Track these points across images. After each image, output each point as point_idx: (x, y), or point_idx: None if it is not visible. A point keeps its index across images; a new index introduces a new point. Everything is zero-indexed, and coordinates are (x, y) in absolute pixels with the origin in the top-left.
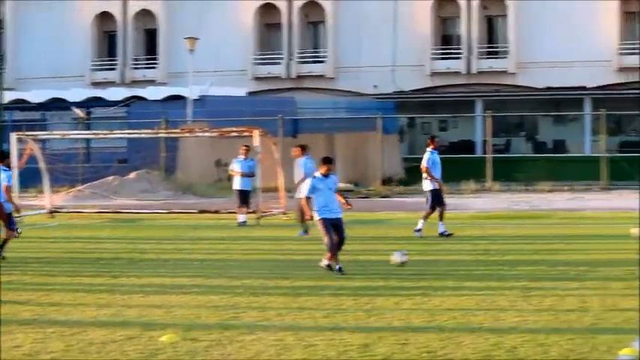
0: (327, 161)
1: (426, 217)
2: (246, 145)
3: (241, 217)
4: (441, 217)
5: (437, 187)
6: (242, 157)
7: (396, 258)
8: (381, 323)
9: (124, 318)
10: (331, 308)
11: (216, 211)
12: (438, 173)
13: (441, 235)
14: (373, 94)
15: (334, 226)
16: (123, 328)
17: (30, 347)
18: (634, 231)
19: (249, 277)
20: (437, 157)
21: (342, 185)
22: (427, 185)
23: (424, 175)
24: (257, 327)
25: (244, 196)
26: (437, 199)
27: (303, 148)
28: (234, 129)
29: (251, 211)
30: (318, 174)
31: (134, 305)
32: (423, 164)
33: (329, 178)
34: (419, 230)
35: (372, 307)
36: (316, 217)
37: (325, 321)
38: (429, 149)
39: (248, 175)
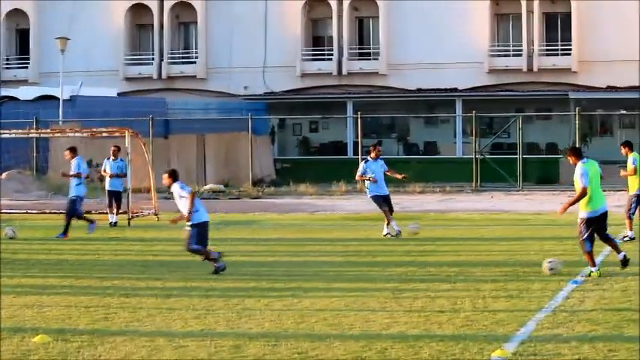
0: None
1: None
2: (116, 146)
3: (112, 218)
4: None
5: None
6: (112, 157)
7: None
8: (251, 324)
9: None
10: (202, 309)
11: (87, 212)
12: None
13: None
14: (244, 95)
15: None
16: None
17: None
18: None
19: (119, 277)
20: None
21: (212, 186)
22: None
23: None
24: (128, 328)
25: (115, 197)
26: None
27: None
28: (105, 129)
29: (122, 211)
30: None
31: (5, 306)
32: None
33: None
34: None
35: (243, 308)
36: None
37: (196, 322)
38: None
39: (118, 175)
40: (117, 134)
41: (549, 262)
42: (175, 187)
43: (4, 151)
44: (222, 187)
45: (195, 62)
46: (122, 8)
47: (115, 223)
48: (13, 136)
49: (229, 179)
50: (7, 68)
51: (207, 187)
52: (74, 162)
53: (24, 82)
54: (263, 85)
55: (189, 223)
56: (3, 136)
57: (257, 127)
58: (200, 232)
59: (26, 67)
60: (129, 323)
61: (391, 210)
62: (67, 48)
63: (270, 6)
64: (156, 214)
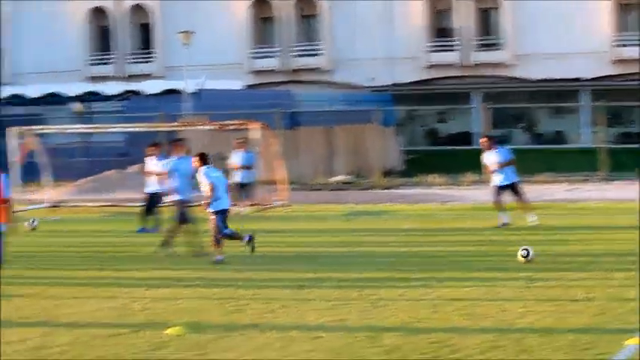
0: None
1: None
2: (241, 138)
3: (241, 209)
4: None
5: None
6: (240, 150)
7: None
8: (386, 314)
9: (130, 311)
10: (335, 300)
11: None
12: None
13: None
14: (370, 86)
15: None
16: (127, 322)
17: (36, 342)
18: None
19: (252, 269)
20: None
21: (341, 177)
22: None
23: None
24: (262, 319)
25: (244, 189)
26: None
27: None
28: (234, 122)
29: (252, 203)
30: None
31: (138, 298)
32: None
33: None
34: None
35: (377, 298)
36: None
37: (330, 313)
38: None
39: (247, 167)
40: (245, 127)
41: (523, 249)
42: (201, 172)
43: (132, 145)
44: (351, 178)
45: (319, 54)
46: (246, 1)
47: (245, 214)
48: (141, 130)
49: (358, 171)
50: (132, 62)
51: (337, 178)
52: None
53: (148, 76)
54: (389, 77)
55: (211, 210)
56: (129, 130)
57: (384, 119)
58: (223, 218)
59: (151, 62)
60: (262, 315)
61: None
62: (191, 42)
63: None
64: (286, 206)
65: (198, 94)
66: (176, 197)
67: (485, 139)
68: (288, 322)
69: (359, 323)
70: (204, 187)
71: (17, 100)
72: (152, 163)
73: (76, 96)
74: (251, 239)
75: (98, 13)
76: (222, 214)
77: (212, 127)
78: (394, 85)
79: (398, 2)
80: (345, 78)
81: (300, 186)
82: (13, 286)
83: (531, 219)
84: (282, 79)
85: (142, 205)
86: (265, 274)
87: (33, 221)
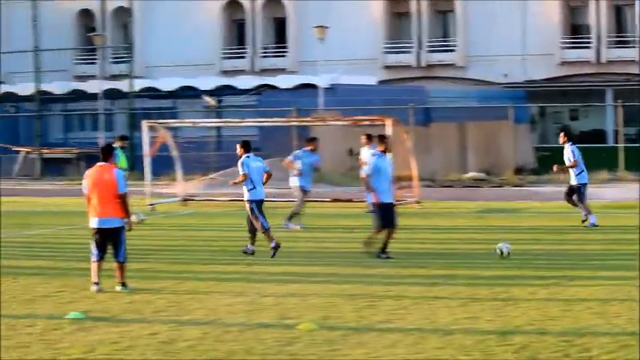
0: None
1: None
2: (367, 134)
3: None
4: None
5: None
6: (367, 146)
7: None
8: (517, 313)
9: (260, 306)
10: (467, 297)
11: (349, 200)
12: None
13: None
14: (503, 83)
15: None
16: (259, 316)
17: (166, 335)
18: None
19: (384, 266)
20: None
21: (474, 174)
22: None
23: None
24: (393, 316)
25: None
26: None
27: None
28: (366, 118)
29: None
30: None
31: (270, 294)
32: None
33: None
34: None
35: (508, 296)
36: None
37: (461, 310)
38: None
39: None
40: (378, 122)
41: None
42: (240, 160)
43: (264, 139)
44: (483, 175)
45: (454, 50)
46: None
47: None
48: (274, 124)
49: (490, 168)
50: (265, 57)
51: (469, 175)
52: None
53: (282, 70)
54: (522, 73)
55: (247, 198)
56: (264, 124)
57: (517, 116)
58: (258, 207)
59: (284, 56)
60: (394, 311)
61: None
62: (325, 36)
63: None
64: (418, 202)
65: (332, 89)
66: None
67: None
68: (419, 320)
69: (489, 321)
70: (240, 176)
71: (150, 93)
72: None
73: (210, 90)
74: (276, 248)
75: (233, 6)
76: (257, 203)
77: (345, 123)
78: (527, 81)
79: None
80: (478, 74)
81: (432, 182)
82: (144, 280)
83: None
84: (415, 75)
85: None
86: (397, 271)
87: (140, 215)
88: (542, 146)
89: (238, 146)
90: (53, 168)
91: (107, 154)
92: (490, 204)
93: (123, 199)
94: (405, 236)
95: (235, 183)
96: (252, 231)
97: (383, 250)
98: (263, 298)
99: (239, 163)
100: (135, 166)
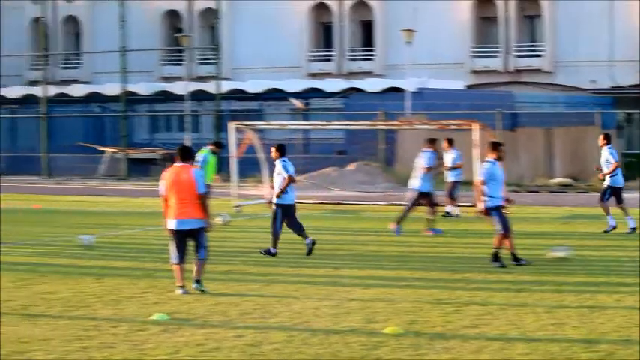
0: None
1: None
2: (448, 138)
3: (449, 209)
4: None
5: None
6: (448, 150)
7: (555, 254)
8: (602, 319)
9: (347, 309)
10: (553, 304)
11: (436, 204)
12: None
13: None
14: (590, 88)
15: None
16: (345, 320)
17: (252, 337)
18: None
19: (470, 270)
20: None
21: (560, 180)
22: None
23: None
24: (480, 321)
25: (454, 189)
26: None
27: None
28: (453, 122)
29: (465, 204)
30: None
31: (356, 297)
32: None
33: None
34: None
35: (594, 303)
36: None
37: (548, 316)
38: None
39: (454, 167)
40: (465, 127)
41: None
42: (278, 163)
43: (351, 142)
44: (570, 181)
45: (541, 55)
46: (468, 1)
47: (450, 213)
48: (361, 127)
49: (577, 173)
50: (352, 60)
51: (555, 180)
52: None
53: (368, 73)
54: (609, 79)
55: (275, 202)
56: (351, 127)
57: (604, 122)
58: (284, 212)
59: (371, 59)
60: (480, 316)
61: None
62: (413, 40)
63: None
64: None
65: (419, 93)
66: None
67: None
68: (505, 325)
69: (575, 328)
70: (279, 179)
71: (237, 94)
72: (423, 160)
73: (296, 92)
74: (313, 244)
75: (320, 9)
76: (285, 208)
77: (432, 127)
78: (614, 87)
79: (620, 3)
80: (565, 80)
81: (518, 188)
82: (230, 282)
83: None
84: (502, 80)
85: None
86: (483, 276)
87: (226, 217)
88: (628, 152)
89: (273, 149)
90: (139, 168)
91: (185, 155)
92: (576, 210)
93: (202, 200)
94: (491, 241)
95: (285, 187)
96: (299, 230)
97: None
98: (349, 302)
99: (279, 166)
100: (221, 168)
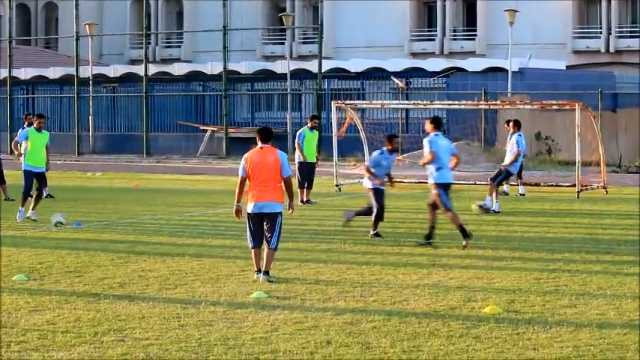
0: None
1: None
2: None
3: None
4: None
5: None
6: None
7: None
8: None
9: (445, 288)
10: None
11: (536, 184)
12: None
13: None
14: None
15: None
16: (444, 299)
17: (350, 316)
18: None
19: (568, 250)
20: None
21: None
22: None
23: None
24: (578, 300)
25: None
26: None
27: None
28: (555, 102)
29: (570, 184)
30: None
31: (455, 276)
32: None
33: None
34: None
35: None
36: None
37: None
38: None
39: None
40: (566, 107)
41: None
42: (427, 139)
43: (452, 122)
44: None
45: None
46: None
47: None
48: (462, 107)
49: None
50: (454, 39)
51: None
52: (514, 137)
53: (470, 53)
54: None
55: (433, 182)
56: (452, 107)
57: None
58: (446, 192)
59: (473, 39)
60: (579, 296)
61: None
62: (515, 20)
63: None
64: (604, 187)
65: (520, 73)
66: None
67: None
68: (603, 306)
69: None
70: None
71: (339, 74)
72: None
73: (398, 72)
74: (464, 233)
75: None
76: (444, 188)
77: (533, 107)
78: None
79: None
80: None
81: (618, 168)
82: (329, 262)
83: None
84: (604, 60)
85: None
86: (581, 256)
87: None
88: None
89: (428, 122)
90: (239, 147)
91: (267, 135)
92: None
93: (287, 183)
94: (590, 221)
95: (424, 163)
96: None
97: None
98: (448, 281)
99: (425, 141)
100: (322, 146)
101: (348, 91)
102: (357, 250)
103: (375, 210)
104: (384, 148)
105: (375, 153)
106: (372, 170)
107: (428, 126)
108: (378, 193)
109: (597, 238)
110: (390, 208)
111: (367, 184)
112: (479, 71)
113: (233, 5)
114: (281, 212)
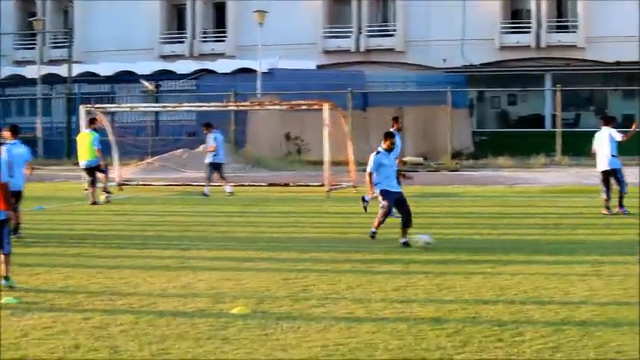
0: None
1: None
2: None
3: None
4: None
5: None
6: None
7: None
8: (451, 296)
9: (194, 290)
10: (401, 282)
11: (285, 184)
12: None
13: None
14: (442, 67)
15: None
16: (193, 301)
17: (99, 320)
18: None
19: (317, 250)
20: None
21: (411, 159)
22: None
23: None
24: (327, 300)
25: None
26: None
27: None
28: (304, 102)
29: (319, 184)
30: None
31: (204, 278)
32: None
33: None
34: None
35: (443, 280)
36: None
37: (395, 294)
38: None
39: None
40: (315, 107)
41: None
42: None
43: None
44: (420, 159)
45: (393, 35)
46: None
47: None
48: (212, 109)
49: (427, 152)
50: (204, 42)
51: (406, 159)
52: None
53: (221, 55)
54: (461, 58)
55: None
56: (202, 109)
57: (456, 100)
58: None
59: (223, 41)
60: (328, 295)
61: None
62: (265, 21)
63: None
64: (354, 187)
65: (270, 74)
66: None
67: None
68: (352, 305)
69: (424, 306)
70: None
71: (89, 77)
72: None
73: (148, 74)
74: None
75: None
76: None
77: (282, 107)
78: (466, 66)
79: None
80: (417, 59)
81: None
82: (78, 265)
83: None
84: (355, 60)
85: None
86: (332, 255)
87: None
88: (479, 130)
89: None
90: None
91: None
92: (426, 188)
93: (4, 189)
94: (339, 221)
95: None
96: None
97: None
98: (197, 283)
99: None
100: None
101: (98, 95)
102: (107, 254)
103: (385, 209)
104: (380, 148)
105: (373, 155)
106: (374, 174)
107: (6, 134)
108: (388, 194)
109: (346, 237)
110: (138, 211)
111: (375, 190)
112: (229, 72)
113: None
114: (6, 220)
